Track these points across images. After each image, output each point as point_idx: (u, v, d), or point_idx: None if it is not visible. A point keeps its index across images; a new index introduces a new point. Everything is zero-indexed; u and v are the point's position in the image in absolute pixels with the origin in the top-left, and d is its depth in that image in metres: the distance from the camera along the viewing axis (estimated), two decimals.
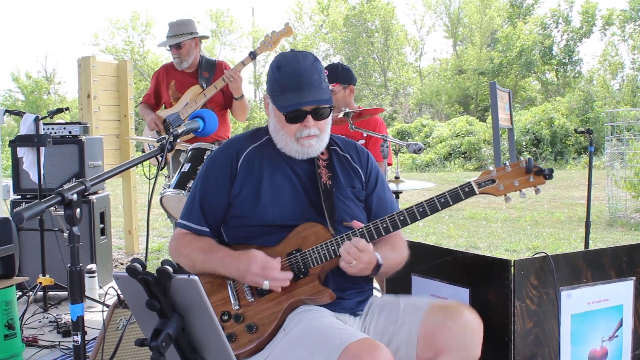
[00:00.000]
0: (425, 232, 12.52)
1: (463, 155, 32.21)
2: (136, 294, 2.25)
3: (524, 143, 31.57)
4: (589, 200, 6.65)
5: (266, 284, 3.21)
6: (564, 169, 28.21)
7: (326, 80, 3.48)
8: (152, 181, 6.38)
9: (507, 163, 3.30)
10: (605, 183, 14.82)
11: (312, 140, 3.44)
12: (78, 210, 2.62)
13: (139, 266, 2.21)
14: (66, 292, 7.10)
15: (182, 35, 7.14)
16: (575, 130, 7.30)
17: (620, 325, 4.04)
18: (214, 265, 3.36)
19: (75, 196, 2.61)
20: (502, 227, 13.10)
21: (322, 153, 3.57)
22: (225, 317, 3.32)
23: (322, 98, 3.39)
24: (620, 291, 4.02)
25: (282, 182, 3.48)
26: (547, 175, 3.24)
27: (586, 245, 6.72)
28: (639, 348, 4.12)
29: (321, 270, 3.33)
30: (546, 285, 3.73)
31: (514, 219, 14.18)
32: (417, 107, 46.85)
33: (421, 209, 3.31)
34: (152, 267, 7.84)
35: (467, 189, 3.29)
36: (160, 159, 3.23)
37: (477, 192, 3.29)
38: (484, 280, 3.80)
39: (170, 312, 2.23)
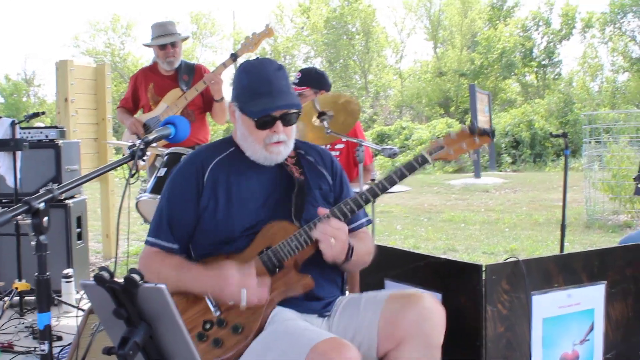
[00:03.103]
0: (403, 234, 12.53)
1: None
2: (104, 302, 2.25)
3: (503, 145, 31.73)
4: (564, 203, 6.68)
5: (244, 305, 3.19)
6: (543, 171, 28.33)
7: (292, 86, 3.53)
8: (129, 186, 6.46)
9: (451, 133, 3.43)
10: (583, 185, 14.88)
11: (280, 147, 3.42)
12: (46, 218, 2.61)
13: (107, 274, 2.20)
14: None
15: (176, 35, 7.16)
16: (551, 134, 7.34)
17: (592, 329, 4.07)
18: (187, 285, 3.32)
19: (42, 205, 2.60)
20: (480, 230, 13.13)
21: (289, 155, 3.57)
22: (208, 326, 3.28)
23: (293, 103, 3.40)
24: (592, 295, 4.05)
25: (249, 192, 3.46)
26: (490, 134, 3.37)
27: (561, 248, 6.75)
28: (610, 351, 4.15)
29: (295, 261, 3.36)
30: (517, 289, 3.76)
31: (492, 222, 14.21)
32: (398, 109, 46.94)
33: (380, 186, 3.40)
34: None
35: (420, 160, 3.40)
36: (132, 165, 3.21)
37: (430, 161, 3.39)
38: (456, 284, 3.82)
39: (137, 320, 2.23)
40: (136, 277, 2.18)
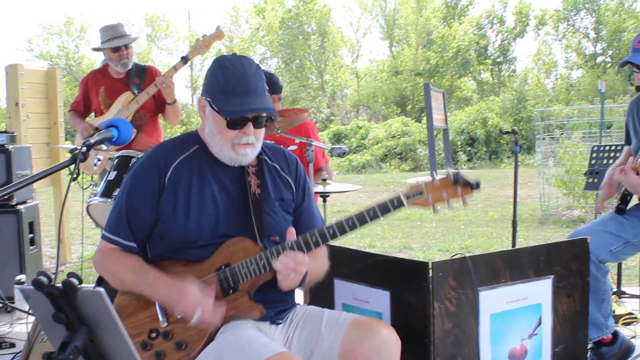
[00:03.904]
0: (359, 233, 12.53)
1: (399, 156, 32.42)
2: (44, 307, 2.24)
3: (459, 143, 31.92)
4: (515, 200, 6.75)
5: (195, 320, 3.14)
6: (499, 168, 28.56)
7: (267, 88, 3.42)
8: (83, 190, 6.41)
9: (435, 175, 3.30)
10: (538, 181, 15.02)
11: (247, 149, 3.35)
12: None
13: (45, 279, 2.19)
14: None
15: (128, 36, 7.15)
16: (501, 130, 7.41)
17: (540, 323, 4.11)
18: (143, 288, 3.28)
19: None
20: (436, 228, 13.22)
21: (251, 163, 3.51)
22: (154, 335, 3.27)
23: (268, 106, 3.31)
24: (539, 290, 4.09)
25: (210, 195, 3.39)
26: (474, 187, 3.23)
27: (513, 244, 6.82)
28: (558, 345, 4.19)
29: (251, 285, 3.31)
30: (464, 286, 3.78)
31: (448, 219, 14.30)
32: (355, 108, 47.03)
33: (350, 223, 3.28)
34: (85, 276, 7.72)
35: (395, 202, 3.27)
36: (76, 168, 3.19)
37: (405, 205, 3.26)
38: (404, 282, 3.84)
39: (77, 324, 2.22)
40: (75, 281, 2.17)
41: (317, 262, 3.48)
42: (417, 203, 3.27)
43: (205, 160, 3.45)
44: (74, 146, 6.95)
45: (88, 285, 2.18)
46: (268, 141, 3.84)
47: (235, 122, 3.30)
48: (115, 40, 7.04)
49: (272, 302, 3.41)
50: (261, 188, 3.48)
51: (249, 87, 3.29)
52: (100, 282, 5.65)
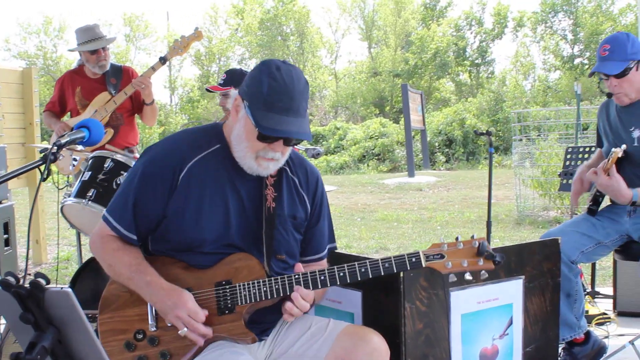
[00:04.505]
0: (336, 234, 12.50)
1: (377, 157, 32.50)
2: (11, 307, 2.24)
3: (436, 144, 32.07)
4: (489, 200, 6.76)
5: (183, 332, 3.08)
6: (476, 169, 28.62)
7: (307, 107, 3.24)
8: (59, 190, 6.40)
9: (459, 238, 3.24)
10: (514, 182, 15.09)
11: (270, 163, 3.20)
12: None
13: (12, 279, 2.19)
14: None
15: (106, 38, 7.10)
16: (475, 132, 7.43)
17: (511, 323, 4.13)
18: (137, 287, 3.17)
19: None
20: (413, 228, 13.23)
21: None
22: (140, 336, 3.20)
23: (305, 131, 3.13)
24: (510, 290, 4.11)
25: (223, 203, 3.26)
26: (498, 262, 3.18)
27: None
28: (529, 345, 4.22)
29: (247, 310, 3.20)
30: (435, 286, 3.80)
31: (425, 220, 14.33)
32: (333, 109, 47.12)
33: (363, 269, 3.22)
34: (61, 277, 7.68)
35: (414, 259, 3.21)
36: (44, 169, 3.17)
37: (423, 265, 3.20)
38: (375, 283, 3.83)
39: (45, 325, 2.22)
40: (42, 281, 2.17)
41: (321, 291, 3.38)
42: (435, 266, 3.22)
43: (223, 163, 3.31)
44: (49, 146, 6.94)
45: (56, 285, 2.17)
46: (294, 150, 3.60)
47: (267, 136, 3.12)
48: (92, 43, 7.00)
49: (259, 322, 3.34)
50: (277, 202, 3.36)
51: (292, 106, 3.08)
52: (75, 283, 5.68)
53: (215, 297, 3.21)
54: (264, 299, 3.18)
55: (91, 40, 7.00)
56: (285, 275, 3.20)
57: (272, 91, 3.06)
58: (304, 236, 3.52)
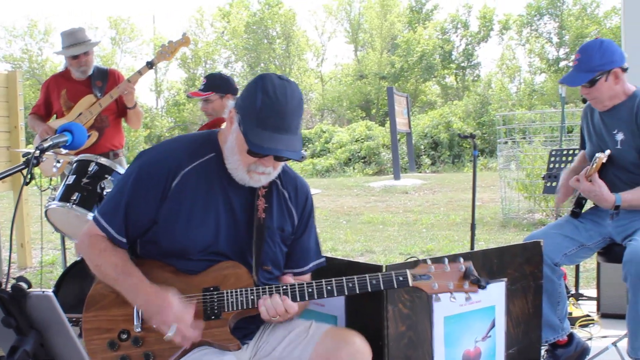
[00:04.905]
0: (322, 237, 12.45)
1: (363, 160, 32.54)
2: None
3: (422, 147, 32.12)
4: (473, 203, 6.78)
5: (169, 336, 3.07)
6: (462, 172, 28.66)
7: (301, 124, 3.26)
8: (42, 192, 6.39)
9: (447, 261, 3.28)
10: (499, 185, 15.13)
11: (262, 176, 3.23)
12: None
13: None
14: None
15: (87, 43, 7.07)
16: (459, 134, 7.46)
17: (493, 325, 4.15)
18: (123, 288, 3.16)
19: None
20: (398, 231, 13.25)
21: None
22: (124, 336, 3.19)
23: (296, 150, 3.12)
24: (492, 292, 4.11)
25: (214, 211, 3.28)
26: (482, 287, 3.22)
27: (472, 247, 6.86)
28: (512, 347, 4.24)
29: (233, 317, 3.22)
30: (418, 289, 3.81)
31: (411, 223, 14.36)
32: (319, 112, 47.16)
33: (350, 285, 3.23)
34: (45, 281, 7.66)
35: (401, 278, 3.24)
36: (28, 173, 3.17)
37: (410, 284, 3.24)
38: None
39: (27, 328, 2.23)
40: (24, 285, 2.18)
41: (303, 303, 3.38)
42: (421, 286, 3.26)
43: (216, 172, 3.32)
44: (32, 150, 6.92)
45: (39, 289, 2.17)
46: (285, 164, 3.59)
47: (257, 153, 3.13)
48: (73, 48, 6.98)
49: (242, 327, 3.35)
50: (267, 213, 3.38)
51: (283, 124, 3.08)
52: (59, 287, 5.67)
53: (202, 303, 3.21)
54: (250, 307, 3.19)
55: (73, 45, 6.99)
56: (274, 286, 3.22)
57: (264, 107, 3.07)
58: (289, 247, 3.54)
